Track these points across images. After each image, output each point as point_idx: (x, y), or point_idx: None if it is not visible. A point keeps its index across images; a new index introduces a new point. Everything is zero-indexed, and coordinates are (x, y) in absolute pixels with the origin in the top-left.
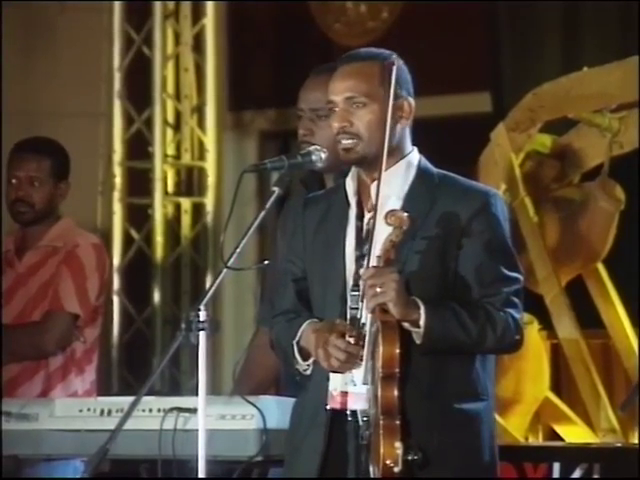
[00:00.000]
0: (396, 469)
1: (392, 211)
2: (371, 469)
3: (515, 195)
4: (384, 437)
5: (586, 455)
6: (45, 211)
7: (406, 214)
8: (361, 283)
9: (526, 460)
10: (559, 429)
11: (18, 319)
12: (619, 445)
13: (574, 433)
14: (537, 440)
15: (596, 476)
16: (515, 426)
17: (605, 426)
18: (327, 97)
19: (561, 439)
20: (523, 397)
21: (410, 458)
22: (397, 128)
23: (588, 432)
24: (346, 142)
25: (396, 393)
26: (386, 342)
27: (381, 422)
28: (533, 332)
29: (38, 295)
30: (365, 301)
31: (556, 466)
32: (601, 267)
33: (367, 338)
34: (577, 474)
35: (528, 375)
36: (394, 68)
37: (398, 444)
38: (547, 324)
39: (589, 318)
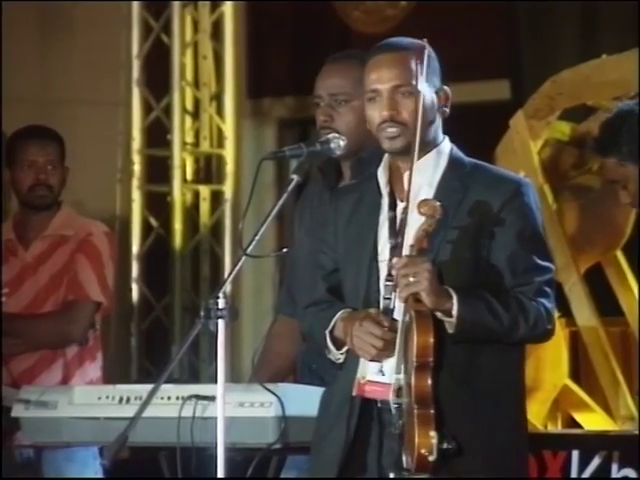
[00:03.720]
0: (431, 458)
1: (425, 200)
2: (404, 458)
3: (534, 183)
4: (419, 426)
5: (605, 443)
6: (58, 195)
7: (439, 203)
8: (394, 272)
9: (545, 448)
10: (578, 417)
11: (29, 308)
12: (638, 432)
13: (593, 421)
14: (556, 428)
15: (615, 463)
16: (534, 414)
17: (624, 413)
18: (369, 85)
19: (580, 427)
20: (542, 385)
21: (445, 447)
22: (439, 117)
23: (607, 420)
24: (392, 130)
25: (430, 382)
26: (420, 331)
27: (415, 411)
28: None
29: (50, 284)
30: (398, 290)
31: (575, 454)
32: (620, 255)
33: (399, 327)
34: (596, 462)
35: (547, 363)
36: (426, 52)
37: (433, 433)
38: (566, 312)
39: (608, 306)
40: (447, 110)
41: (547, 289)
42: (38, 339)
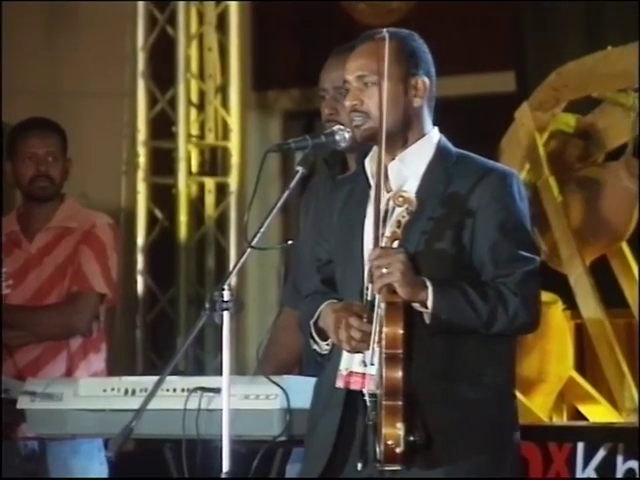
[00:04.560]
0: (398, 450)
1: (399, 192)
2: (377, 449)
3: (539, 175)
4: (386, 418)
5: (610, 435)
6: (60, 186)
7: (413, 195)
8: (368, 264)
9: (550, 440)
10: (583, 409)
11: (33, 300)
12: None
13: (598, 413)
14: (561, 420)
15: (620, 455)
16: (539, 406)
17: (629, 406)
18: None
19: (585, 419)
20: (547, 377)
21: (412, 439)
22: (410, 106)
23: (612, 412)
24: (357, 119)
25: (400, 374)
26: (390, 322)
27: (384, 403)
28: (557, 312)
29: (55, 276)
30: (373, 282)
31: (580, 446)
32: (625, 246)
33: (375, 319)
34: (601, 454)
35: (552, 355)
36: (386, 44)
37: (400, 425)
38: (571, 304)
39: (613, 298)
40: (420, 100)
41: (530, 281)
42: (42, 330)
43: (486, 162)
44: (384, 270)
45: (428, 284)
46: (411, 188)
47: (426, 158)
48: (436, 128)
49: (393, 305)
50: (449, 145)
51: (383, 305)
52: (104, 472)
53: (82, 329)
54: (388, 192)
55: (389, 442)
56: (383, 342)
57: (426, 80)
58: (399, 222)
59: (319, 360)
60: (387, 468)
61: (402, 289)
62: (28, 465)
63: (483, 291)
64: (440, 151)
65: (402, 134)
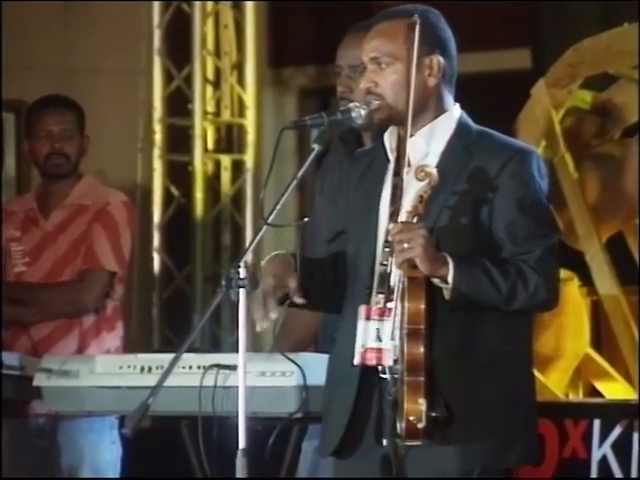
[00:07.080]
0: (420, 425)
1: (421, 166)
2: (398, 425)
3: (555, 151)
4: (408, 393)
5: (626, 411)
6: (77, 164)
7: (435, 170)
8: (389, 238)
9: (566, 417)
10: (599, 385)
11: (47, 278)
12: None
13: (614, 389)
14: (577, 397)
15: (636, 432)
16: (555, 383)
17: None
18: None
19: (601, 395)
20: (563, 353)
21: (434, 414)
22: (425, 86)
23: (628, 388)
24: (372, 103)
25: (422, 349)
26: (412, 298)
27: (405, 378)
28: (573, 289)
29: (68, 253)
30: (394, 257)
31: (596, 423)
32: None
33: (396, 294)
34: (617, 431)
35: (568, 331)
36: (417, 26)
37: (422, 400)
38: (587, 281)
39: (629, 274)
40: (434, 79)
41: (549, 258)
42: (51, 308)
43: (506, 140)
44: (405, 245)
45: (449, 260)
46: (431, 164)
47: (446, 134)
48: (457, 105)
49: (415, 280)
50: (470, 122)
51: (405, 280)
52: (116, 450)
53: (91, 307)
54: (407, 167)
55: (411, 418)
56: (405, 317)
57: (441, 59)
58: (421, 197)
59: (336, 336)
60: (408, 443)
61: (423, 264)
62: (40, 442)
63: (503, 268)
64: (460, 128)
65: (419, 113)
